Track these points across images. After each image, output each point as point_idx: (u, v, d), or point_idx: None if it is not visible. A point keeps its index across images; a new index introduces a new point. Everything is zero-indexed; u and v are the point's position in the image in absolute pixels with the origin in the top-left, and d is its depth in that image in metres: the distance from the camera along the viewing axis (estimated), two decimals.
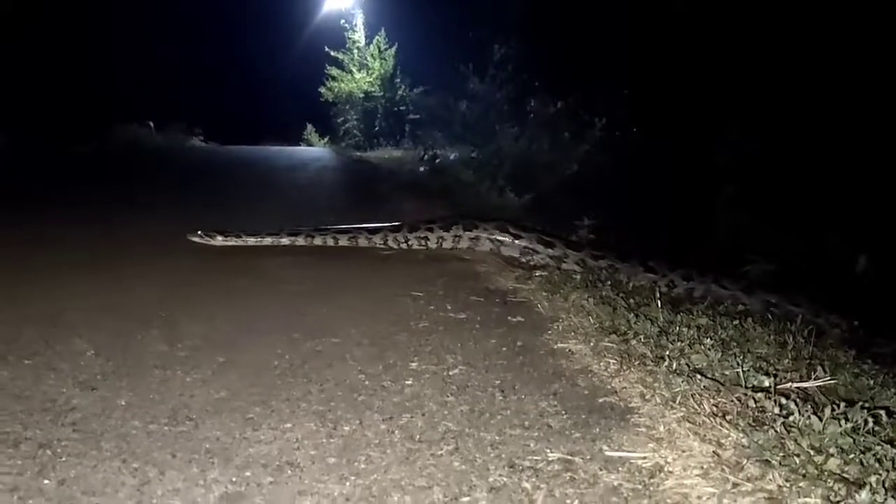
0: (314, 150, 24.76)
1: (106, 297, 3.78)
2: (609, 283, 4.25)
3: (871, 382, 2.97)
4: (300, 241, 5.43)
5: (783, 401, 2.28)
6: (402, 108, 23.94)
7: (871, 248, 7.49)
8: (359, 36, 24.57)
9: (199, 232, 5.26)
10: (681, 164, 10.72)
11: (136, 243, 5.43)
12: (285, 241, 5.41)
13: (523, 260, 5.35)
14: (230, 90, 32.49)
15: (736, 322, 3.60)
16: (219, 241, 5.26)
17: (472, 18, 14.26)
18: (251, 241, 5.37)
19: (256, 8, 32.20)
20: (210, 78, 31.61)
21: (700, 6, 11.78)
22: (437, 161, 12.58)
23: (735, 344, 3.19)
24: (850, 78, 10.23)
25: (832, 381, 2.68)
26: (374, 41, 24.23)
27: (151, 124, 22.29)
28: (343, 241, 5.51)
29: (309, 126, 29.06)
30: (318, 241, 5.46)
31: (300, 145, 28.01)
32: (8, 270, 4.32)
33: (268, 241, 5.40)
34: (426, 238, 5.54)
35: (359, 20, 24.58)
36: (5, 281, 4.04)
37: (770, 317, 4.15)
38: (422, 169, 12.80)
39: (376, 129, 24.15)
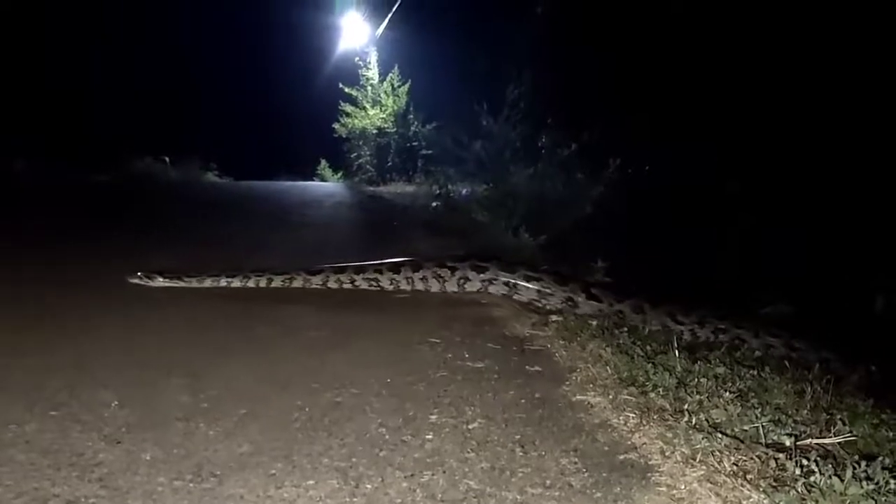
0: (328, 186, 25.00)
1: (127, 344, 3.83)
2: (625, 330, 4.25)
3: (891, 434, 2.97)
4: (236, 283, 5.48)
5: (804, 461, 2.28)
6: (414, 143, 24.16)
7: (890, 287, 7.46)
8: (372, 73, 24.88)
9: (140, 273, 5.32)
10: (692, 198, 10.77)
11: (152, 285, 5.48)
12: (223, 283, 5.46)
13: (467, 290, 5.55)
14: (245, 126, 33.00)
15: (753, 372, 3.61)
16: (159, 282, 5.32)
17: (484, 56, 14.45)
18: (193, 282, 5.41)
19: (273, 46, 32.75)
20: (226, 113, 32.13)
21: (704, 24, 11.91)
22: (451, 196, 12.66)
23: (753, 394, 3.19)
24: (868, 103, 10.28)
25: (852, 438, 2.68)
26: (388, 78, 24.53)
27: (167, 159, 22.59)
28: (276, 283, 5.55)
29: (323, 161, 29.36)
30: (251, 283, 5.51)
31: (314, 180, 28.30)
32: (32, 315, 4.38)
33: (207, 282, 5.43)
34: (376, 280, 5.61)
35: (372, 58, 24.91)
36: (31, 325, 4.10)
37: (787, 364, 4.14)
38: (434, 204, 12.86)
39: (389, 164, 24.36)
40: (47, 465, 2.30)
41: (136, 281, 5.29)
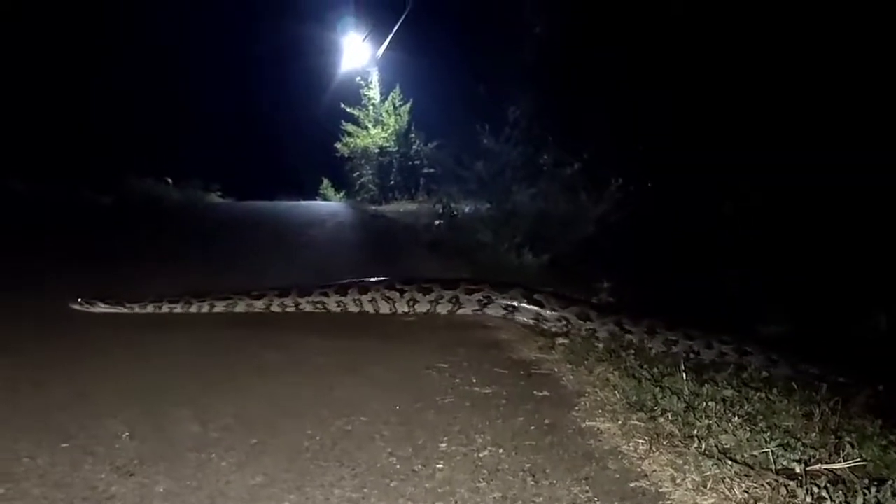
0: (330, 205, 25.04)
1: (132, 373, 3.84)
2: (633, 352, 4.26)
3: None
4: (178, 308, 5.43)
5: (814, 488, 2.28)
6: (416, 162, 24.25)
7: (893, 305, 7.44)
8: (374, 93, 24.99)
9: (80, 299, 5.24)
10: (693, 215, 10.79)
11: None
12: (166, 308, 5.40)
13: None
14: (247, 146, 33.11)
15: (761, 394, 3.61)
16: (101, 308, 5.25)
17: (485, 75, 14.51)
18: (136, 308, 5.34)
19: (275, 65, 32.91)
20: (227, 134, 32.24)
21: (706, 39, 11.96)
22: (454, 215, 12.68)
23: (761, 417, 3.19)
24: (871, 117, 10.30)
25: (861, 463, 2.68)
26: (389, 97, 24.63)
27: (169, 180, 22.65)
28: (219, 308, 5.51)
29: (325, 181, 29.42)
30: (193, 308, 5.46)
31: (316, 199, 28.33)
32: (31, 349, 4.38)
33: (150, 308, 5.38)
34: (322, 302, 5.61)
35: (374, 77, 25.04)
36: (31, 359, 4.09)
37: (795, 385, 4.14)
38: (437, 223, 12.87)
39: (391, 182, 24.42)
40: (61, 499, 2.31)
41: (76, 307, 5.21)
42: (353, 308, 5.61)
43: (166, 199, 20.97)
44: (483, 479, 2.52)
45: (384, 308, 5.60)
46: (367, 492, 2.40)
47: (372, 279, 5.87)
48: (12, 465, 2.55)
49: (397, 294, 5.61)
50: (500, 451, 2.79)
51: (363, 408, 3.27)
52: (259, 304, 5.57)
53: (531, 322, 5.36)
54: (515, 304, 5.45)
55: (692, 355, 5.07)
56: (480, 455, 2.74)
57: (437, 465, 2.63)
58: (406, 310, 5.59)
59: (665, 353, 4.97)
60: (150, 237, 12.01)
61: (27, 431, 2.88)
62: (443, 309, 5.59)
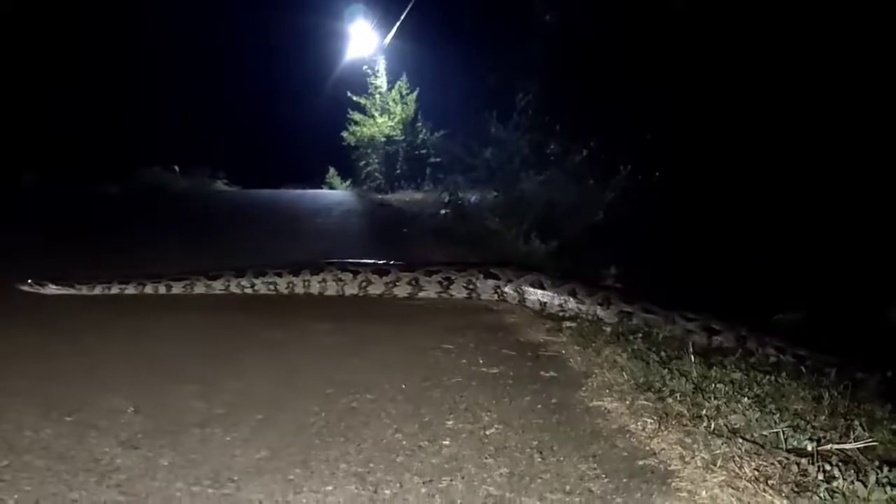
0: (336, 194, 25.04)
1: (137, 349, 3.84)
2: (640, 335, 4.23)
3: None
4: (130, 289, 5.39)
5: (826, 466, 2.26)
6: (423, 151, 24.19)
7: None
8: (381, 81, 24.94)
9: (30, 281, 5.22)
10: (702, 204, 10.72)
11: (161, 297, 5.48)
12: (115, 290, 5.37)
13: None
14: (254, 134, 33.08)
15: (769, 377, 3.58)
16: (51, 289, 5.23)
17: (493, 63, 14.43)
18: (84, 289, 5.31)
19: (281, 54, 32.86)
20: (234, 122, 32.24)
21: (715, 30, 11.88)
22: (460, 204, 12.61)
23: (770, 400, 3.17)
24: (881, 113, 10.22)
25: (872, 443, 2.65)
26: (396, 86, 24.58)
27: (176, 168, 22.71)
28: (177, 289, 5.47)
29: (331, 169, 29.40)
30: (149, 289, 5.43)
31: (322, 188, 28.31)
32: (35, 324, 4.40)
33: (98, 290, 5.34)
34: (274, 283, 5.60)
35: (381, 66, 24.98)
36: (33, 336, 4.11)
37: (804, 370, 4.11)
38: (444, 212, 12.82)
39: (398, 172, 24.38)
40: (65, 471, 2.29)
41: (26, 289, 5.18)
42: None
43: (174, 188, 21.03)
44: (490, 455, 2.50)
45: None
46: (372, 466, 2.38)
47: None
48: (16, 438, 2.54)
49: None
50: (507, 428, 2.76)
51: (369, 386, 3.25)
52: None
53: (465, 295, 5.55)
54: (473, 279, 5.56)
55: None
56: (487, 432, 2.72)
57: (444, 442, 2.61)
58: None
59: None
60: (160, 227, 12.02)
61: (31, 405, 2.87)
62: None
